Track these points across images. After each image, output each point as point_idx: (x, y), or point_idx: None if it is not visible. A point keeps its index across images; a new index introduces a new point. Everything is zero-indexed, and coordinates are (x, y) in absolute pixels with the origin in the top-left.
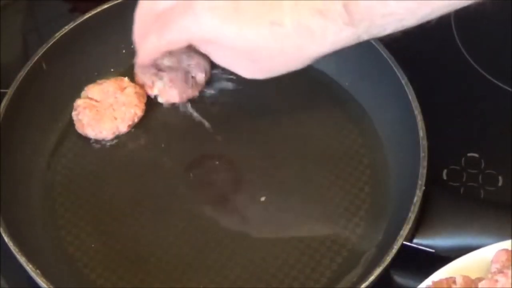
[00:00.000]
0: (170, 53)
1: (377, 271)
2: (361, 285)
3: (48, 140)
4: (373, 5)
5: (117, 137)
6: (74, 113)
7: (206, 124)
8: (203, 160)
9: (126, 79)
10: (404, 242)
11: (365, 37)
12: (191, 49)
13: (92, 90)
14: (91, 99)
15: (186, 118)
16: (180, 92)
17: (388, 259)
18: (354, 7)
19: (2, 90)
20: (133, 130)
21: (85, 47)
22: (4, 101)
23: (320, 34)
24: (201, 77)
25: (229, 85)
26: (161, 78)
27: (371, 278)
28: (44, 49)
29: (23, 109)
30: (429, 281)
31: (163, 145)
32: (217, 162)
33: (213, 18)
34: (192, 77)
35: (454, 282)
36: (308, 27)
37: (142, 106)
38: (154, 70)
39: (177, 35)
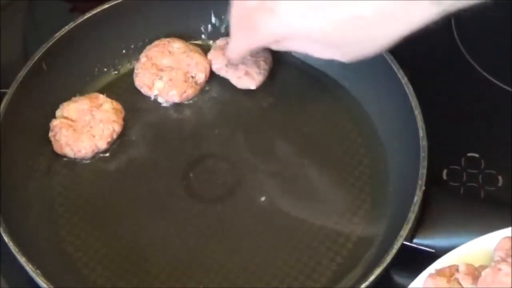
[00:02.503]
0: (170, 53)
1: (377, 271)
2: (361, 285)
3: (48, 140)
4: None
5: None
6: (51, 134)
7: (206, 124)
8: (203, 160)
9: (102, 95)
10: (404, 242)
11: (451, 9)
12: (190, 49)
13: (68, 109)
14: (66, 118)
15: (186, 118)
16: (180, 92)
17: (388, 259)
18: None
19: (2, 90)
20: (133, 131)
21: (85, 47)
22: (4, 101)
23: (404, 17)
24: (200, 77)
25: (229, 85)
26: (160, 78)
27: (371, 278)
28: (44, 49)
29: (23, 109)
30: (432, 269)
31: (163, 146)
32: (217, 162)
33: (296, 17)
34: (192, 77)
35: (457, 270)
36: (392, 13)
37: (120, 122)
38: (154, 70)
39: (264, 36)
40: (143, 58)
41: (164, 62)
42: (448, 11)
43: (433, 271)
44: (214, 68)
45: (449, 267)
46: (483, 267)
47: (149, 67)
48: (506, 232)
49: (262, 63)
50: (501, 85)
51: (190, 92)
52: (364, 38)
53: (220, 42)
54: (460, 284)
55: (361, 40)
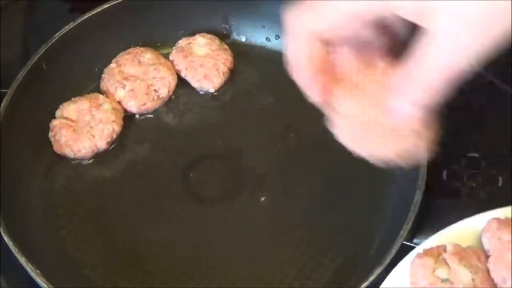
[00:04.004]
0: (139, 63)
1: (377, 271)
2: (361, 285)
3: (48, 140)
4: None
5: (96, 154)
6: (51, 134)
7: (207, 124)
8: (203, 160)
9: (101, 96)
10: (404, 242)
11: None
12: (160, 63)
13: (67, 109)
14: (66, 118)
15: (186, 119)
16: (139, 103)
17: (388, 259)
18: None
19: (2, 90)
20: (132, 131)
21: (85, 47)
22: (4, 101)
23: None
24: (164, 92)
25: (228, 85)
26: (123, 87)
27: (371, 278)
28: (44, 49)
29: (23, 109)
30: (420, 249)
31: (163, 146)
32: (217, 162)
33: None
34: (155, 90)
35: (445, 250)
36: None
37: (120, 122)
38: (119, 78)
39: (343, 11)
40: (112, 63)
41: (131, 71)
42: None
43: (421, 251)
44: (176, 70)
45: (437, 247)
46: (471, 248)
47: (115, 74)
48: (493, 213)
49: (221, 65)
50: (502, 85)
51: (150, 105)
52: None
53: (182, 42)
54: (447, 263)
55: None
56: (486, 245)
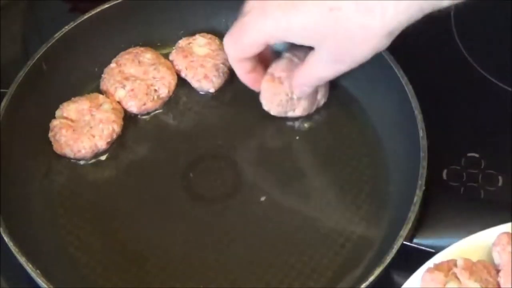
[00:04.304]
0: (139, 63)
1: (377, 271)
2: (361, 285)
3: (48, 140)
4: None
5: (96, 154)
6: (50, 134)
7: (207, 124)
8: (203, 160)
9: (101, 95)
10: (404, 242)
11: (427, 8)
12: (160, 63)
13: (67, 109)
14: (66, 118)
15: (186, 119)
16: (139, 104)
17: (388, 259)
18: None
19: (2, 90)
20: (132, 131)
21: (85, 47)
22: (4, 101)
23: (380, 9)
24: (164, 92)
25: (228, 85)
26: (123, 87)
27: (371, 278)
28: (44, 49)
29: (23, 109)
30: (430, 263)
31: (163, 146)
32: (217, 162)
33: (279, 12)
34: (155, 90)
35: (455, 264)
36: (366, 5)
37: (120, 122)
38: (119, 78)
39: (252, 37)
40: (112, 63)
41: (131, 71)
42: (426, 10)
43: (431, 266)
44: (176, 70)
45: (447, 261)
46: (481, 262)
47: (115, 74)
48: (504, 227)
49: (221, 65)
50: (501, 85)
51: (150, 105)
52: (346, 31)
53: (182, 42)
54: (457, 278)
55: (343, 33)
56: (497, 259)
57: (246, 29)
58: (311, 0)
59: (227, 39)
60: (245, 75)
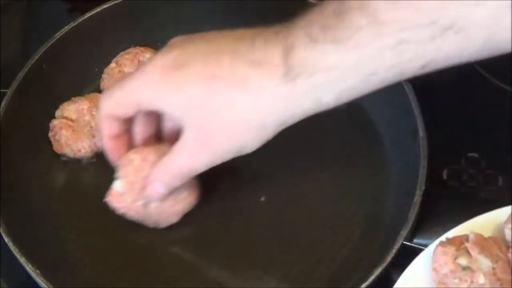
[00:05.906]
0: (139, 63)
1: (377, 271)
2: (361, 285)
3: (48, 140)
4: (312, 56)
5: (96, 154)
6: (50, 134)
7: None
8: None
9: (101, 95)
10: (404, 242)
11: (306, 104)
12: None
13: (67, 109)
14: (66, 118)
15: None
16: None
17: (388, 259)
18: (293, 57)
19: (2, 90)
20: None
21: (85, 47)
22: (4, 101)
23: (257, 86)
24: None
25: None
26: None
27: (371, 278)
28: (44, 49)
29: (23, 109)
30: (443, 238)
31: None
32: None
33: (156, 74)
34: None
35: (467, 239)
36: (245, 79)
37: None
38: (119, 78)
39: (124, 97)
40: (112, 63)
41: (131, 71)
42: (305, 107)
43: (444, 240)
44: None
45: (460, 236)
46: (492, 238)
47: (115, 74)
48: None
49: None
50: (501, 85)
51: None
52: (218, 107)
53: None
54: (468, 252)
55: (215, 109)
56: (508, 236)
57: (124, 86)
58: (193, 59)
59: (106, 91)
60: (109, 138)
